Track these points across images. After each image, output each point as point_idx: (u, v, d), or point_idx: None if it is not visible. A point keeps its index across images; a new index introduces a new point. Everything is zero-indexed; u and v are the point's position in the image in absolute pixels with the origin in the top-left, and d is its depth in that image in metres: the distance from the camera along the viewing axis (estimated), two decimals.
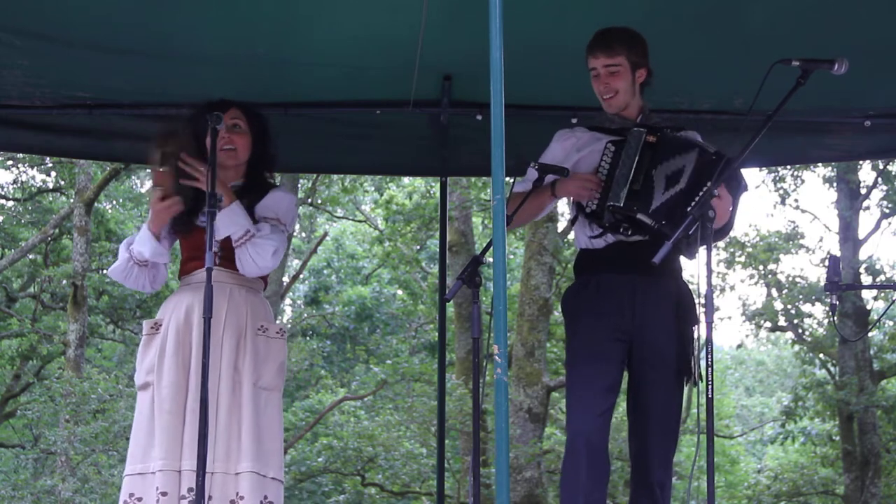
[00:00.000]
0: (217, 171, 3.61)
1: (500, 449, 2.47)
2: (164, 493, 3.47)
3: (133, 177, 16.36)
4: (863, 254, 14.73)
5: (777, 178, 15.25)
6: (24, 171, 15.32)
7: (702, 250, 3.25)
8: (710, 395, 3.21)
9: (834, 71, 3.34)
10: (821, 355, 15.28)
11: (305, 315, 19.41)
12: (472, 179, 12.69)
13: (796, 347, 15.73)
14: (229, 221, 3.56)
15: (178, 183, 3.62)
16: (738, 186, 3.62)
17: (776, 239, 15.15)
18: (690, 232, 3.26)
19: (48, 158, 14.13)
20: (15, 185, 15.77)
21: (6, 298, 15.89)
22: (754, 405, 27.04)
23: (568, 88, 4.39)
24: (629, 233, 3.66)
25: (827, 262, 3.87)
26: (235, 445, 3.54)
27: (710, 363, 3.22)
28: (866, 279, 14.27)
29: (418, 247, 17.13)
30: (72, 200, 13.92)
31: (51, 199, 16.35)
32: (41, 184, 15.71)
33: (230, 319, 3.63)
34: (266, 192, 3.78)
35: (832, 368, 15.09)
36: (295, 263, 20.00)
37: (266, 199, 3.76)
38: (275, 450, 3.62)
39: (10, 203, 16.21)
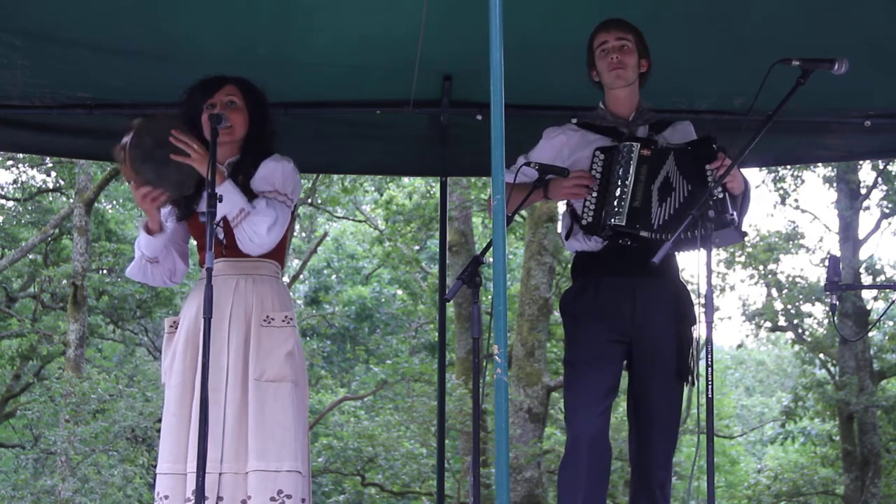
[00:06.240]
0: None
1: (500, 449, 2.47)
2: (166, 497, 3.47)
3: None
4: (863, 254, 14.73)
5: (777, 178, 15.25)
6: (24, 171, 15.30)
7: (701, 250, 3.26)
8: (710, 395, 3.21)
9: (834, 71, 3.34)
10: (821, 355, 15.28)
11: (305, 315, 19.40)
12: (472, 179, 12.69)
13: (796, 347, 15.74)
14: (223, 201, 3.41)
15: (152, 172, 3.51)
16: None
17: (776, 239, 15.15)
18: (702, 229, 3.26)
19: (48, 158, 14.12)
20: (15, 185, 15.76)
21: (6, 298, 15.89)
22: (754, 405, 27.02)
23: (568, 88, 4.39)
24: (629, 243, 3.65)
25: (827, 262, 3.86)
26: (244, 445, 3.47)
27: (710, 363, 3.22)
28: (866, 279, 14.27)
29: (418, 247, 17.13)
30: (72, 200, 13.92)
31: (51, 199, 16.34)
32: (41, 184, 15.71)
33: (236, 314, 3.56)
34: (258, 166, 3.64)
35: (832, 368, 15.09)
36: (295, 263, 20.00)
37: (260, 171, 3.63)
38: (287, 440, 3.49)
39: (10, 203, 16.21)
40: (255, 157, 3.67)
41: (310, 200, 15.54)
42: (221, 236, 3.61)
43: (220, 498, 3.41)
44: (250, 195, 3.56)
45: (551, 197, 3.70)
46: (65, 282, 14.32)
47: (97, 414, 12.14)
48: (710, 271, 3.22)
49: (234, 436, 3.46)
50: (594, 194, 3.62)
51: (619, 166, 3.57)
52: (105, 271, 14.52)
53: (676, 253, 3.69)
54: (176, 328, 3.67)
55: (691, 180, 3.56)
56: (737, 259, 15.25)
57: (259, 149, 3.69)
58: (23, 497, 11.76)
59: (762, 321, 15.35)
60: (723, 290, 15.33)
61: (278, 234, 3.55)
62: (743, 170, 3.64)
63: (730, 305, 67.82)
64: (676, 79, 4.30)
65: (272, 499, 3.45)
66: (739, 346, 17.97)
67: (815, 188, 47.52)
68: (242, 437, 3.48)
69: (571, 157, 3.75)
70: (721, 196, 3.45)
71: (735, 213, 3.47)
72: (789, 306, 15.09)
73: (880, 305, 14.37)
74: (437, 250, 11.57)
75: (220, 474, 3.42)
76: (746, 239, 15.09)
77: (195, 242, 3.81)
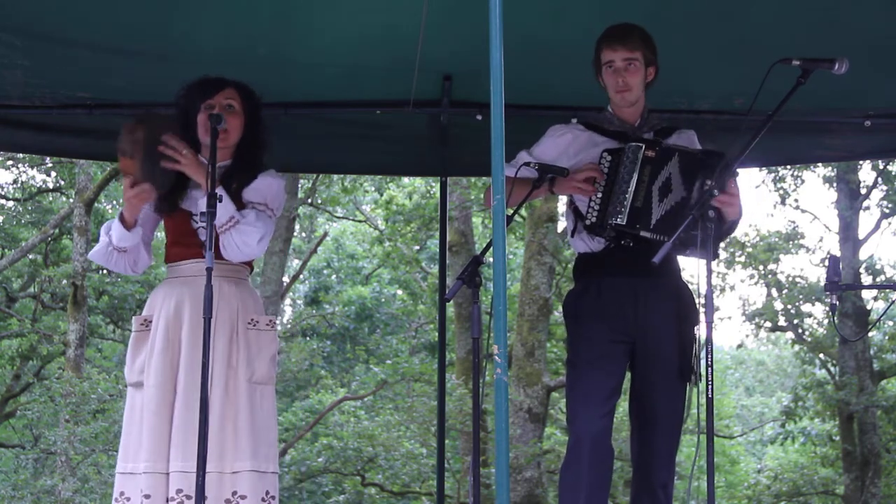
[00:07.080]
0: (202, 150, 3.58)
1: (500, 449, 2.47)
2: (147, 496, 3.43)
3: None
4: (863, 254, 14.74)
5: (777, 178, 15.26)
6: (24, 171, 15.32)
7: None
8: (710, 395, 3.21)
9: (834, 71, 3.34)
10: (821, 355, 15.28)
11: (305, 315, 19.39)
12: (472, 179, 12.69)
13: (796, 347, 15.74)
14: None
15: (147, 170, 3.53)
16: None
17: (776, 239, 15.15)
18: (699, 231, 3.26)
19: (48, 158, 14.12)
20: (15, 185, 15.77)
21: (6, 298, 15.89)
22: (754, 405, 27.03)
23: (568, 88, 4.39)
24: (631, 244, 3.66)
25: (827, 262, 3.86)
26: (231, 444, 3.48)
27: (710, 363, 3.22)
28: (866, 279, 14.27)
29: (418, 247, 17.13)
30: (72, 200, 13.92)
31: (51, 199, 16.34)
32: (41, 184, 15.72)
33: (221, 315, 3.56)
34: (255, 176, 3.67)
35: (832, 368, 15.09)
36: (295, 263, 20.00)
37: (255, 183, 3.65)
38: (271, 443, 3.59)
39: (10, 203, 16.21)
40: (248, 166, 3.69)
41: (310, 200, 15.54)
42: (203, 237, 3.62)
43: (204, 497, 3.41)
44: (239, 204, 3.58)
45: (556, 192, 3.71)
46: (65, 282, 14.32)
47: (97, 414, 12.14)
48: (710, 271, 3.23)
49: (218, 435, 3.46)
50: (599, 194, 3.63)
51: (623, 167, 3.59)
52: (105, 271, 14.52)
53: (678, 255, 3.69)
54: (147, 326, 3.63)
55: (688, 186, 3.56)
56: (737, 259, 15.25)
57: (252, 156, 3.71)
58: (23, 497, 11.77)
59: (762, 321, 15.36)
60: (723, 290, 15.34)
61: (264, 246, 3.60)
62: (743, 170, 3.65)
63: (730, 305, 67.91)
64: (676, 79, 4.29)
65: (262, 499, 3.50)
66: (739, 346, 17.97)
67: (815, 188, 47.58)
68: (227, 437, 3.49)
69: (577, 156, 3.76)
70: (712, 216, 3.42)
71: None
72: (789, 306, 15.09)
73: (880, 305, 14.39)
74: (437, 250, 11.57)
75: (205, 473, 3.41)
76: (746, 239, 15.11)
77: (163, 238, 3.81)
